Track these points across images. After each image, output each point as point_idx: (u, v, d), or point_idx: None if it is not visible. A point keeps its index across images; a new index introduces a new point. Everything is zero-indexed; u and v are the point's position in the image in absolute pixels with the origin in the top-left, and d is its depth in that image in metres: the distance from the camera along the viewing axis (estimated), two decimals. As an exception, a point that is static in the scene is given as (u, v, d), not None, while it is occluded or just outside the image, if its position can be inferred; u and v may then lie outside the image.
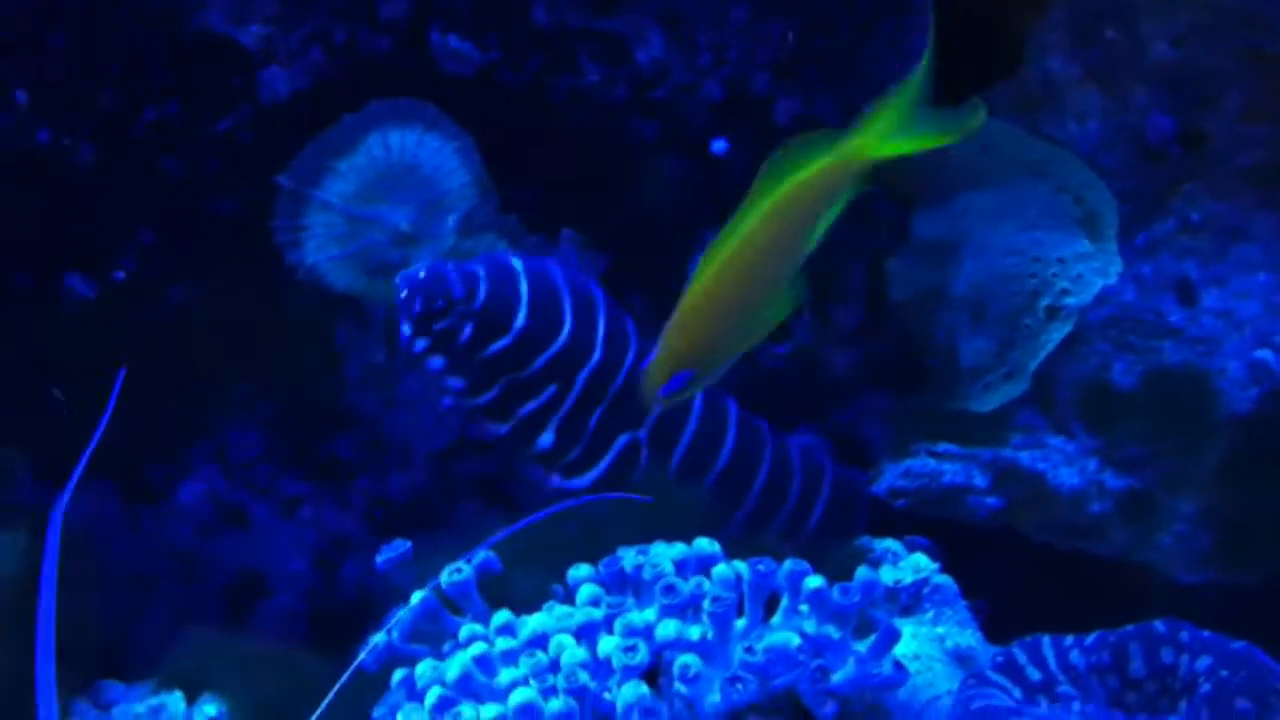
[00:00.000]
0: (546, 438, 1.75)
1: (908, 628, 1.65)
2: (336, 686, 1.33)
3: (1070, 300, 1.84)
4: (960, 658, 1.63)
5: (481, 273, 1.72)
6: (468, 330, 1.70)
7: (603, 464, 1.78)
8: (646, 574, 1.55)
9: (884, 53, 2.14)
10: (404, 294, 1.70)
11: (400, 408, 2.14)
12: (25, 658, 1.12)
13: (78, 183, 2.03)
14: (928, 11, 2.19)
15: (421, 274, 1.69)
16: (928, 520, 1.87)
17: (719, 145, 2.05)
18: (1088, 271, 1.84)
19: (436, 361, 1.74)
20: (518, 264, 1.74)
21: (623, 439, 1.78)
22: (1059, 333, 1.84)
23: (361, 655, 1.63)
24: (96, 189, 2.04)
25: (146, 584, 2.09)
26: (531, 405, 1.73)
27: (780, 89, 2.10)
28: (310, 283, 2.05)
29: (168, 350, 2.08)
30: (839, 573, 1.60)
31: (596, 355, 1.74)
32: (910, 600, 1.69)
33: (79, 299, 2.06)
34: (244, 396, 2.13)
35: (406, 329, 1.70)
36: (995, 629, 1.72)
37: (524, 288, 1.73)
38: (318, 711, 1.49)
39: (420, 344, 1.73)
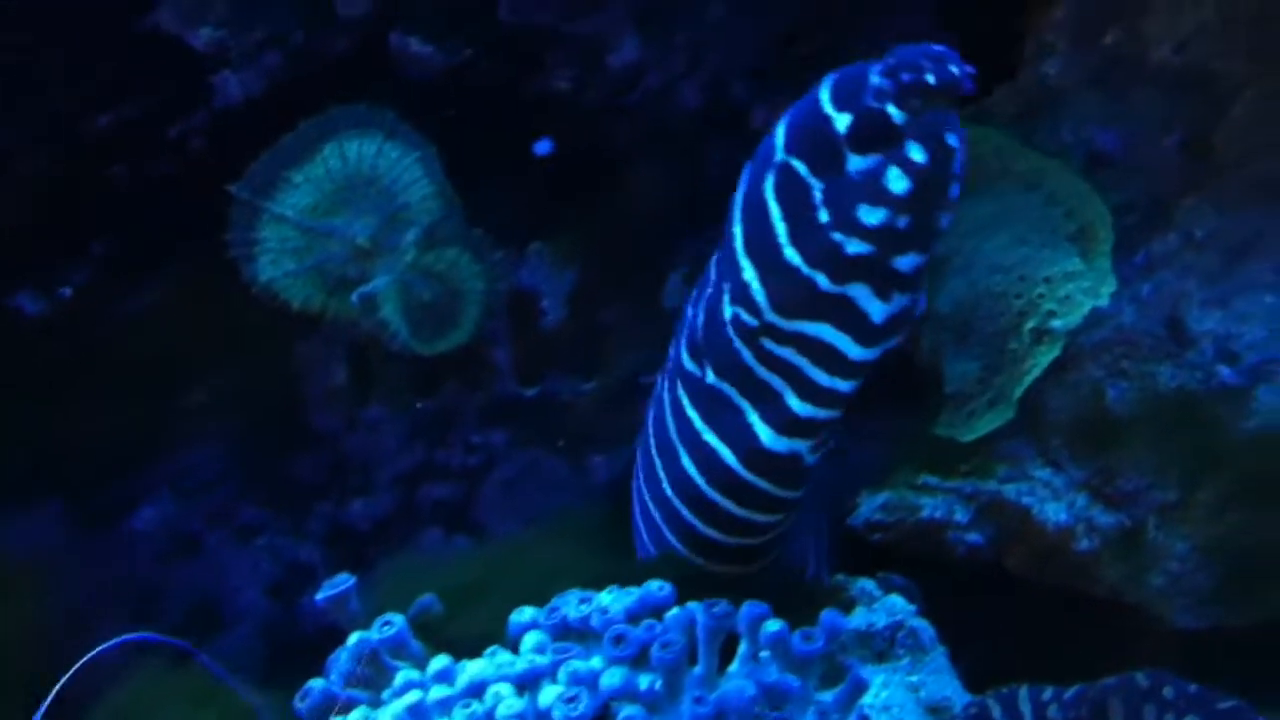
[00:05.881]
0: None
1: (880, 676, 1.54)
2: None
3: (1057, 323, 1.72)
4: (935, 709, 1.52)
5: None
6: None
7: None
8: (595, 621, 1.45)
9: (870, 56, 2.03)
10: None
11: (361, 429, 2.05)
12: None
13: (24, 191, 1.94)
14: (925, 13, 2.09)
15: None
16: (908, 555, 1.76)
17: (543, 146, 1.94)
18: (1076, 292, 1.72)
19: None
20: None
21: None
22: (1045, 357, 1.72)
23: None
24: (44, 198, 1.95)
25: (93, 616, 2.01)
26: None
27: (759, 94, 2.00)
28: (267, 298, 1.96)
29: (117, 367, 2.00)
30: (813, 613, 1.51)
31: None
32: (885, 645, 1.58)
33: (28, 317, 1.98)
34: (199, 417, 2.05)
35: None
36: (977, 676, 1.61)
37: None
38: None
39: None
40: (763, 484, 1.58)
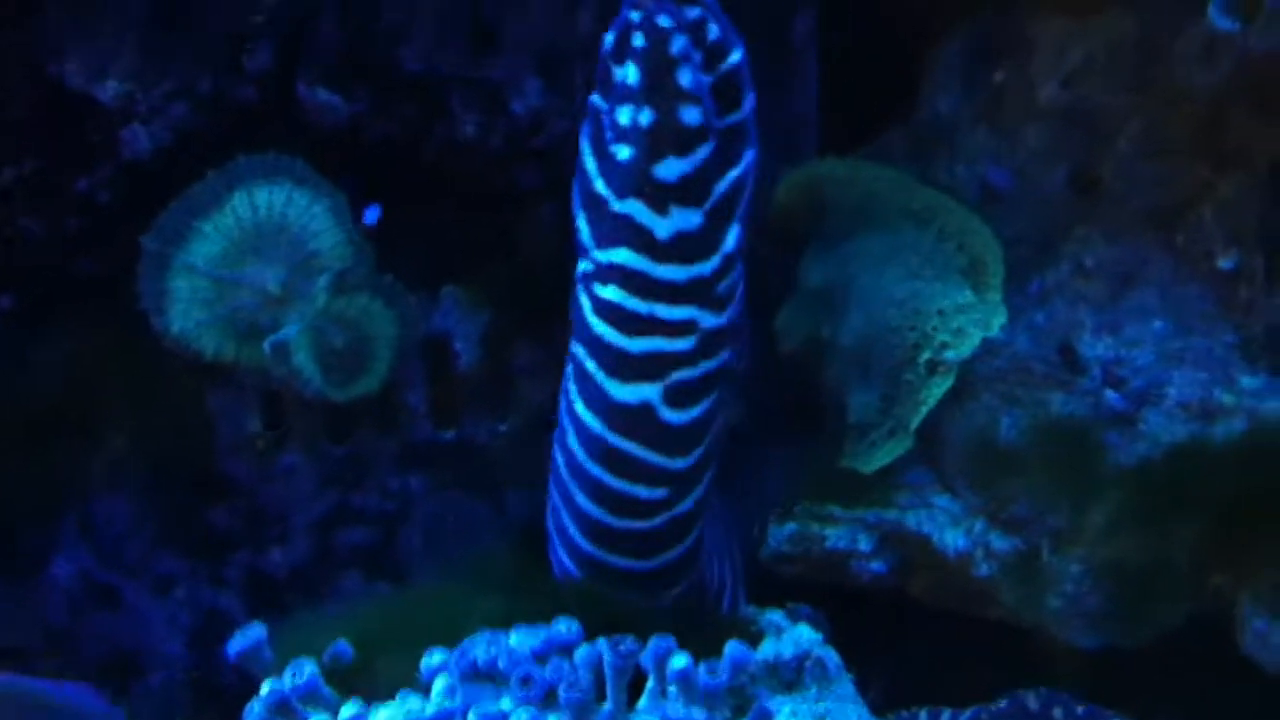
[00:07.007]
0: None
1: (787, 705, 1.57)
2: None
3: (950, 354, 1.77)
4: (840, 736, 1.55)
5: None
6: None
7: None
8: (503, 663, 1.47)
9: (767, 98, 2.08)
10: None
11: (276, 477, 2.06)
12: None
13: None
14: (812, 57, 2.14)
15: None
16: (815, 586, 1.79)
17: (371, 214, 1.98)
18: (968, 324, 1.78)
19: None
20: None
21: None
22: (939, 388, 1.77)
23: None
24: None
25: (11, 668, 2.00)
26: None
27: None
28: (179, 348, 1.96)
29: (29, 420, 1.99)
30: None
31: None
32: (793, 675, 1.62)
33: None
34: (113, 468, 2.04)
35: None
36: (883, 701, 1.65)
37: None
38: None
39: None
40: (629, 446, 1.57)
